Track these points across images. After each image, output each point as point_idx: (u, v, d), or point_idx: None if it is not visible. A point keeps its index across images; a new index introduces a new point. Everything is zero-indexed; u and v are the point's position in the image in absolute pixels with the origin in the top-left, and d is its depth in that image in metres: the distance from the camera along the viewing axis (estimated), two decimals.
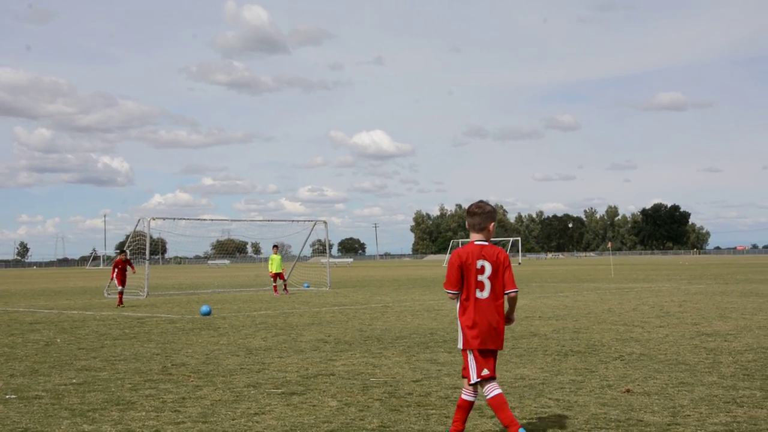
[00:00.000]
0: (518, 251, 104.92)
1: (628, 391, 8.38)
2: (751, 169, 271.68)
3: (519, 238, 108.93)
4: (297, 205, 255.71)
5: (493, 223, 6.39)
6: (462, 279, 6.26)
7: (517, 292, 6.38)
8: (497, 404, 6.12)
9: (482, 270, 6.25)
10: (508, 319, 6.44)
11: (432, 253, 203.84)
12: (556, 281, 37.79)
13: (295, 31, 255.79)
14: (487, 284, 6.25)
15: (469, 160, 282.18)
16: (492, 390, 6.16)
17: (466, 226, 6.47)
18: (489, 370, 6.21)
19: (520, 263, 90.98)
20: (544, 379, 9.19)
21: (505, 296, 6.32)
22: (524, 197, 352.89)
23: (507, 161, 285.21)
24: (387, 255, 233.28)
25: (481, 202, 6.46)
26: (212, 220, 39.20)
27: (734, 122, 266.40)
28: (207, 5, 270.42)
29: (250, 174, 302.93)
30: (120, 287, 24.27)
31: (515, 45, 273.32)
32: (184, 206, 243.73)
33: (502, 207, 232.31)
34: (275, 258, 29.71)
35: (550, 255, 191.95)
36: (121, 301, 23.83)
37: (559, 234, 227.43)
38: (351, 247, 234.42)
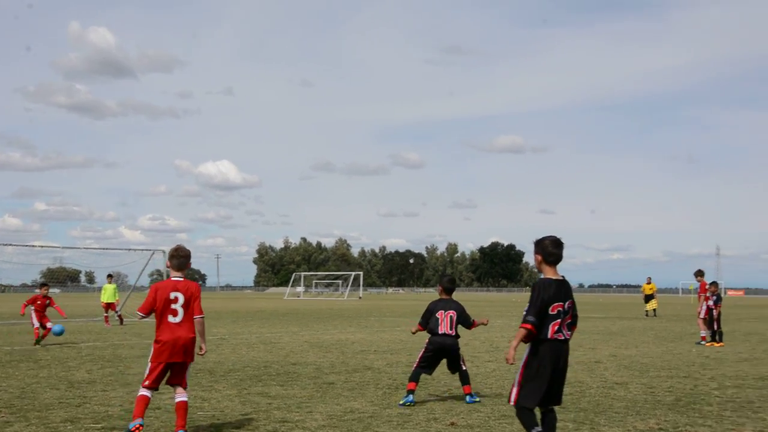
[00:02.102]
0: (360, 285, 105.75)
1: (452, 424, 8.62)
2: (580, 212, 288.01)
3: (361, 273, 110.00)
4: (137, 234, 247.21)
5: (189, 263, 7.90)
6: (154, 307, 7.69)
7: (203, 317, 7.91)
8: (177, 408, 7.67)
9: (176, 300, 7.72)
10: (200, 338, 7.89)
11: (274, 285, 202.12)
12: (395, 315, 38.36)
13: (143, 57, 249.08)
14: (180, 311, 7.73)
15: (316, 193, 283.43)
16: (179, 396, 7.72)
17: (166, 265, 7.91)
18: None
19: (360, 297, 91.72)
20: (373, 413, 9.30)
21: (195, 320, 7.80)
22: (368, 232, 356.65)
23: (353, 196, 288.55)
24: (228, 287, 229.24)
25: (180, 246, 7.90)
26: (42, 246, 37.29)
27: (567, 166, 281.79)
28: (49, 25, 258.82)
29: (88, 200, 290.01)
30: (42, 324, 19.80)
31: (365, 82, 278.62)
32: (13, 231, 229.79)
33: (345, 241, 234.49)
34: (108, 287, 28.57)
35: (390, 290, 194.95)
36: (39, 336, 19.68)
37: (401, 269, 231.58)
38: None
